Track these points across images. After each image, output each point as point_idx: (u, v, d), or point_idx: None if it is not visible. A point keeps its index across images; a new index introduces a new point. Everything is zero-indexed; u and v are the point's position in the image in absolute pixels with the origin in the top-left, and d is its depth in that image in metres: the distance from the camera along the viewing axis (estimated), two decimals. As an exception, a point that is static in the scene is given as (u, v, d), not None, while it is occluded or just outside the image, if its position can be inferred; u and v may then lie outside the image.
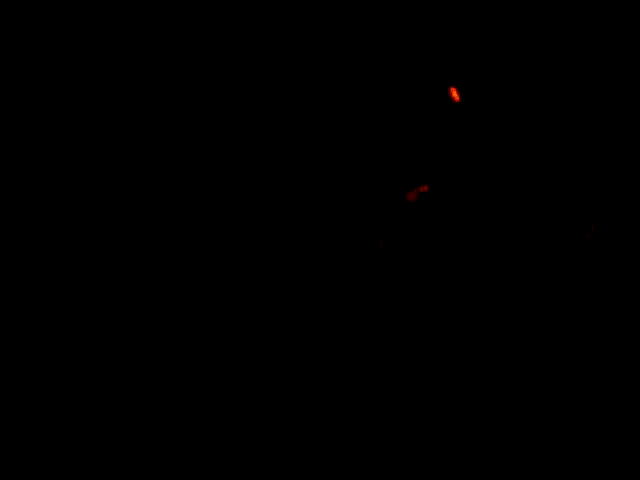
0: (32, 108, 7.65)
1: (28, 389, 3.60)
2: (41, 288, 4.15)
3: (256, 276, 4.56)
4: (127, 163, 7.50)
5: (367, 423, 3.49)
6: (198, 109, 7.96)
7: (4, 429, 3.45)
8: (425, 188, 6.22)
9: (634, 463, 3.27)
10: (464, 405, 3.58)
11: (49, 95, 7.67)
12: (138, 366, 3.75)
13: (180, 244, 4.63)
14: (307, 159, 9.08)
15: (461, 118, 8.68)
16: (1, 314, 3.91)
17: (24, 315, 3.94)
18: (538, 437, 3.45)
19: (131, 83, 7.98)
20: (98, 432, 3.48)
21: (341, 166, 9.37)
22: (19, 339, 3.81)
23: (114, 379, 3.69)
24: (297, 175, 8.82)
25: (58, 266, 4.38)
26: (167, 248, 4.69)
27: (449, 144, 8.76)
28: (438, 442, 3.43)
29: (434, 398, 3.59)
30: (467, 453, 3.39)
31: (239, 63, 8.47)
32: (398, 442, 3.42)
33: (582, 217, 6.04)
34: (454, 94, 8.69)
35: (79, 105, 7.40)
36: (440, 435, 3.46)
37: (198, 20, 7.96)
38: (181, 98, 7.76)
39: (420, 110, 9.27)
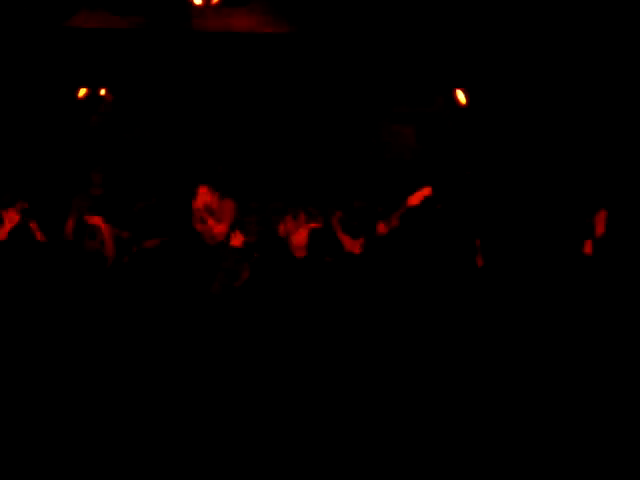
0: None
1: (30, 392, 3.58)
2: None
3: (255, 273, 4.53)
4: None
5: (366, 424, 3.47)
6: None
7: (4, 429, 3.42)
8: (428, 191, 6.17)
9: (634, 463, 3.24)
10: (460, 407, 3.55)
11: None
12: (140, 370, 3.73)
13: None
14: (308, 160, 8.97)
15: (466, 121, 8.61)
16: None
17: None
18: (532, 437, 3.42)
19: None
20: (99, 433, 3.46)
21: (343, 168, 9.26)
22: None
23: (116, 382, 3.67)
24: (297, 173, 8.71)
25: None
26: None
27: (453, 147, 8.70)
28: (435, 442, 3.40)
29: (430, 400, 3.57)
30: (465, 453, 3.35)
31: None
32: (397, 442, 3.39)
33: (583, 219, 5.99)
34: (460, 97, 8.63)
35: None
36: (436, 435, 3.43)
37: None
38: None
39: (424, 113, 9.18)
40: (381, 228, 6.28)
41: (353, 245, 6.57)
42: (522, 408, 3.54)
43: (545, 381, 3.67)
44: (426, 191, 6.12)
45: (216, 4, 7.31)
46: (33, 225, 5.89)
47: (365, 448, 3.39)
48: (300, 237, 6.89)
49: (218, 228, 7.38)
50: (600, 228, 5.66)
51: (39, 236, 5.87)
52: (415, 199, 6.06)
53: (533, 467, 3.33)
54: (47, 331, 3.95)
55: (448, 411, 3.55)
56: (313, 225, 7.12)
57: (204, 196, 7.48)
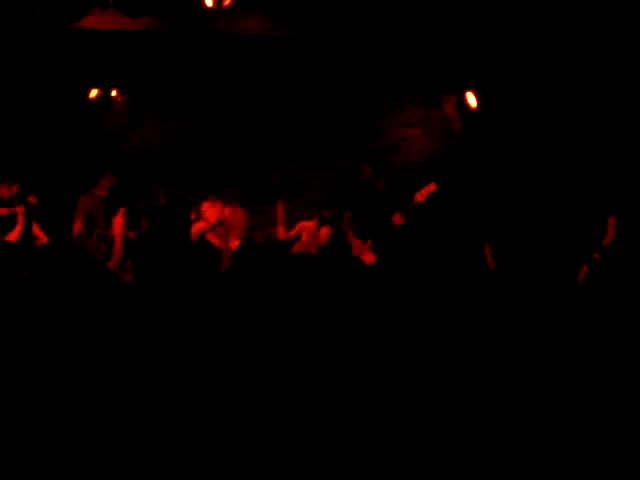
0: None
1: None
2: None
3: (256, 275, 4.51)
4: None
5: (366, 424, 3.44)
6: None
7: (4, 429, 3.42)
8: (433, 187, 6.21)
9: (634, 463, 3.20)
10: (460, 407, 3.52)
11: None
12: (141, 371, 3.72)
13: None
14: (316, 158, 8.93)
15: (477, 124, 8.56)
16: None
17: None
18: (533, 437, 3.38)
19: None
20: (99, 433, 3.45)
21: (353, 166, 9.23)
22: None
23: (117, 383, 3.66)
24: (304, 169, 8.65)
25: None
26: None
27: (463, 150, 8.65)
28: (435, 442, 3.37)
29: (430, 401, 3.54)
30: (465, 453, 3.32)
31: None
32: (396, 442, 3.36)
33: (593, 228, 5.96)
34: (471, 100, 8.58)
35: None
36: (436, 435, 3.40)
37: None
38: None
39: (432, 113, 9.13)
40: (397, 219, 6.31)
41: (362, 246, 6.59)
42: (530, 409, 3.51)
43: (554, 382, 3.64)
44: (431, 187, 6.20)
45: (228, 6, 7.30)
46: (36, 226, 5.92)
47: (365, 448, 3.36)
48: (322, 235, 6.95)
49: (233, 241, 7.31)
50: (610, 233, 5.64)
51: (41, 237, 5.90)
52: (421, 195, 6.13)
53: (534, 467, 3.30)
54: (49, 330, 3.95)
55: (457, 410, 3.52)
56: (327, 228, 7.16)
57: (214, 209, 7.43)
